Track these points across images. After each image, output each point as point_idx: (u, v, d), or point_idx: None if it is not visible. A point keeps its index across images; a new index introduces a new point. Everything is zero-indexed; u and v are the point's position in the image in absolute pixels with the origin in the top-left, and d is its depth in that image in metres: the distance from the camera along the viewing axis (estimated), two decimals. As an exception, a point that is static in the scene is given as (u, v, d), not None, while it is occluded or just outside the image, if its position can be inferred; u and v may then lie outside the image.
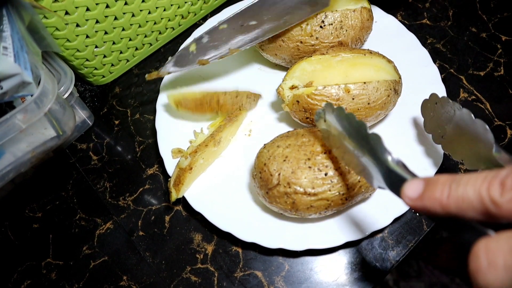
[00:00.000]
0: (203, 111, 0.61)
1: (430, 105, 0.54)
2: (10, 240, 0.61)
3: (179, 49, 0.58)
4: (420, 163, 0.56)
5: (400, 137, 0.59)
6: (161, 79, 0.66)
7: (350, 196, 0.48)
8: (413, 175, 0.34)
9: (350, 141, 0.42)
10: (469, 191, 0.27)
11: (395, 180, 0.35)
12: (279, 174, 0.48)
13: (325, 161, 0.48)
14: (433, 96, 0.53)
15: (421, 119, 0.59)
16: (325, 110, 0.46)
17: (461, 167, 0.60)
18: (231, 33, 0.54)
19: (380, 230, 0.55)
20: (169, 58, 0.57)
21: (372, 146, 0.38)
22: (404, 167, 0.35)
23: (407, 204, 0.31)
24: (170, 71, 0.55)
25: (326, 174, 0.47)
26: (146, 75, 0.57)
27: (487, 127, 0.45)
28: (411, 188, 0.31)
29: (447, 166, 0.60)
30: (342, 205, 0.49)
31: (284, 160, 0.49)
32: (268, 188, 0.49)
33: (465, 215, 0.27)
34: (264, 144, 0.53)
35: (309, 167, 0.48)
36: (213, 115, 0.62)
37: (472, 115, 0.47)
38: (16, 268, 0.59)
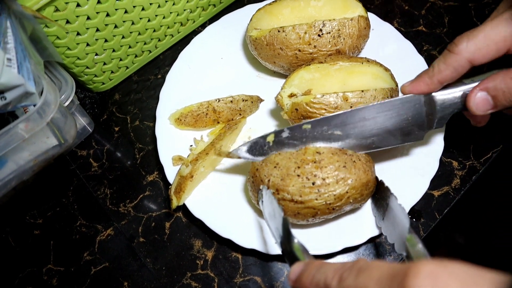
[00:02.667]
0: (203, 124, 0.62)
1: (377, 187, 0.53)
2: (11, 246, 0.61)
3: (257, 136, 0.53)
4: (416, 169, 0.57)
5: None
6: (160, 85, 0.66)
7: (337, 206, 0.49)
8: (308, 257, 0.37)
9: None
10: (321, 280, 0.30)
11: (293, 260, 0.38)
12: (268, 180, 0.49)
13: (314, 170, 0.48)
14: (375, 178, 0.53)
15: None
16: (262, 192, 0.49)
17: (457, 173, 0.61)
18: (313, 136, 0.51)
19: (378, 236, 0.56)
20: (245, 141, 0.53)
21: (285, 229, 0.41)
22: (304, 250, 0.38)
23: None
24: (241, 156, 0.52)
25: (313, 184, 0.48)
26: (216, 152, 0.54)
27: (406, 212, 0.45)
28: (292, 271, 0.34)
29: (443, 173, 0.60)
30: (329, 214, 0.50)
31: (275, 167, 0.49)
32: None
33: None
34: None
35: (298, 175, 0.48)
36: (215, 125, 0.62)
37: (397, 201, 0.47)
38: (17, 274, 0.59)
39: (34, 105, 0.46)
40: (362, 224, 0.54)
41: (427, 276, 0.23)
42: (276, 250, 0.53)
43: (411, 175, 0.57)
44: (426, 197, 0.59)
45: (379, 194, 0.52)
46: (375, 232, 0.53)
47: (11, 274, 0.59)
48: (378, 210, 0.53)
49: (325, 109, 0.53)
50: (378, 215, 0.53)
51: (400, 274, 0.24)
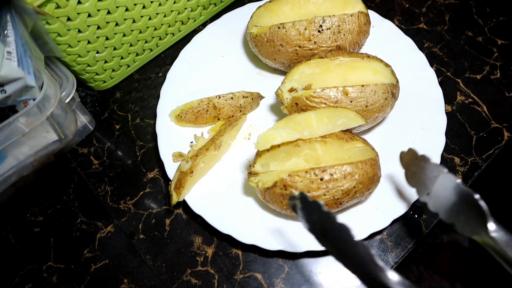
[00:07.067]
0: (204, 121, 0.62)
1: (409, 158, 0.49)
2: (11, 243, 0.61)
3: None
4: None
5: (398, 140, 0.60)
6: (161, 84, 0.67)
7: (344, 201, 0.49)
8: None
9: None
10: None
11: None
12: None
13: (322, 165, 0.48)
14: (411, 152, 0.48)
15: (418, 125, 0.59)
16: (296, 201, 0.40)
17: (459, 169, 0.60)
18: None
19: (379, 232, 0.56)
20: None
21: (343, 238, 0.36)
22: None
23: None
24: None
25: (321, 179, 0.48)
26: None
27: (478, 196, 0.40)
28: None
29: (445, 168, 0.60)
30: (337, 208, 0.50)
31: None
32: (265, 188, 0.50)
33: None
34: None
35: (306, 171, 0.48)
36: (215, 121, 0.62)
37: (460, 182, 0.42)
38: (18, 271, 0.59)
39: (34, 99, 0.46)
40: (363, 219, 0.53)
41: None
42: (276, 246, 0.52)
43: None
44: (428, 193, 0.58)
45: (415, 168, 0.47)
46: (376, 228, 0.53)
47: (12, 271, 0.59)
48: (416, 183, 0.48)
49: (325, 103, 0.53)
50: (420, 189, 0.47)
51: None
